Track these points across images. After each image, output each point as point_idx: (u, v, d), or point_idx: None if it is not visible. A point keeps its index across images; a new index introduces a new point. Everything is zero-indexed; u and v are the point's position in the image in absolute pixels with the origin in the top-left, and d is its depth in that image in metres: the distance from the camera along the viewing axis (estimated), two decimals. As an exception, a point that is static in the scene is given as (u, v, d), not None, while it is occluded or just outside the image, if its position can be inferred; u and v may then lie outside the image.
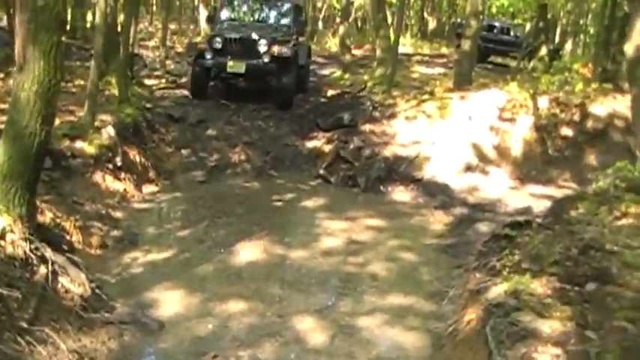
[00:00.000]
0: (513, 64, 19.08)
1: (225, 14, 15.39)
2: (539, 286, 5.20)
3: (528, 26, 23.55)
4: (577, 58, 25.19)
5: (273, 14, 15.59)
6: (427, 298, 6.76)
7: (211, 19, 15.86)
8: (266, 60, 13.41)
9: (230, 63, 13.38)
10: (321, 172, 11.48)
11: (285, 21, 15.20)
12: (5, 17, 14.79)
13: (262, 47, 13.44)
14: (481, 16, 15.39)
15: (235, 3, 15.96)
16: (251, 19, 15.40)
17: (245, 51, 13.51)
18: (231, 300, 6.37)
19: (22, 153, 5.53)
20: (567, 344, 4.42)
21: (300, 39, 15.28)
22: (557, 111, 11.76)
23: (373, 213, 9.72)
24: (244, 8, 15.78)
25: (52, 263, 5.44)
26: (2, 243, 5.11)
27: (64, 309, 5.24)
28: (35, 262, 5.31)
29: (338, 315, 6.28)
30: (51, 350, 4.66)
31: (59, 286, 5.42)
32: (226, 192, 10.38)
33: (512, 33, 24.58)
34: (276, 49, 13.43)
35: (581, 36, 38.02)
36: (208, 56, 13.56)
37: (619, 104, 11.70)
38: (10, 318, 4.55)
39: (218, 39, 13.62)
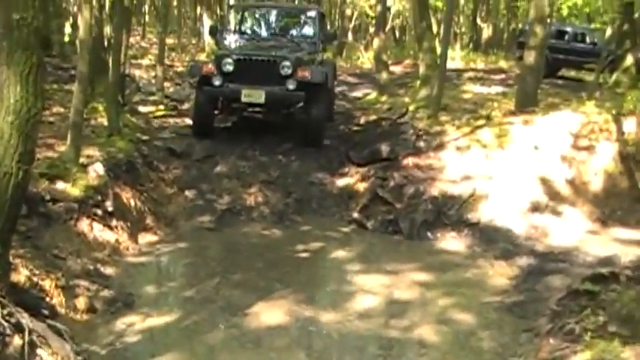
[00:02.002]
0: (590, 77, 19.03)
1: (234, 26, 15.37)
2: (633, 356, 5.15)
3: (609, 31, 23.52)
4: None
5: (294, 25, 15.61)
6: (490, 370, 6.72)
7: (215, 32, 15.46)
8: (291, 87, 12.94)
9: (245, 91, 12.89)
10: (355, 215, 11.51)
11: (309, 33, 15.20)
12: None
13: (286, 70, 12.94)
14: (549, 21, 15.37)
15: (246, 12, 16.07)
16: (267, 31, 15.40)
17: (264, 75, 12.98)
18: (247, 375, 6.39)
19: (-5, 198, 5.61)
20: None
21: (325, 55, 15.25)
22: (648, 135, 11.70)
23: (419, 265, 9.69)
24: (258, 18, 15.84)
25: (30, 332, 5.47)
26: (-32, 308, 5.17)
27: (44, 389, 5.28)
28: (8, 331, 5.34)
29: (379, 392, 6.27)
30: None
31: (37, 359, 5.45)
32: (240, 242, 10.41)
33: (588, 39, 24.59)
34: (303, 73, 12.96)
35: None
36: (217, 82, 12.99)
37: None
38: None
39: (229, 60, 13.08)
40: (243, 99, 13.10)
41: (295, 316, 7.71)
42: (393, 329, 7.57)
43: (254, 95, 12.96)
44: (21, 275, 6.89)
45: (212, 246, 10.21)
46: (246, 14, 15.86)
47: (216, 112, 14.01)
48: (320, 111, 13.45)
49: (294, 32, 15.39)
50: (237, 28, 15.32)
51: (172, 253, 9.78)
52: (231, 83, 13.04)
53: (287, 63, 13.03)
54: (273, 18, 15.92)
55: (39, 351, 5.49)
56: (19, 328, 5.43)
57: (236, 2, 20.21)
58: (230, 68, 13.04)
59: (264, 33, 15.32)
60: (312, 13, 15.83)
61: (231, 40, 14.81)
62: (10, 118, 5.53)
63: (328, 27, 16.50)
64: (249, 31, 15.33)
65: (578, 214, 10.99)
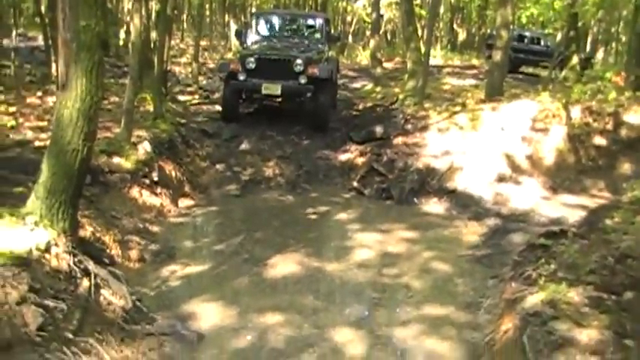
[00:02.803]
0: (545, 73, 18.98)
1: (255, 30, 15.28)
2: (576, 295, 5.20)
3: (559, 35, 23.48)
4: (609, 66, 25.01)
5: (305, 29, 15.56)
6: (463, 309, 6.75)
7: (240, 35, 15.50)
8: (302, 81, 13.00)
9: (265, 85, 12.96)
10: (355, 184, 11.52)
11: (317, 35, 15.18)
12: (42, 37, 15.11)
13: (298, 67, 12.99)
14: (512, 27, 15.31)
15: (265, 18, 15.99)
16: (282, 34, 15.34)
17: (280, 71, 13.03)
18: (267, 312, 6.42)
19: (66, 169, 5.70)
20: (605, 353, 4.43)
21: (330, 53, 15.26)
22: (590, 120, 11.66)
23: (407, 225, 9.72)
24: (275, 23, 15.80)
25: (95, 276, 5.57)
26: (47, 256, 5.25)
27: (106, 320, 5.36)
28: (79, 274, 5.44)
29: (374, 326, 6.30)
30: (95, 360, 4.78)
31: (101, 298, 5.54)
32: (261, 206, 10.45)
33: (542, 43, 24.58)
34: (312, 70, 13.00)
35: (613, 44, 37.71)
36: (241, 77, 13.09)
37: (653, 112, 11.61)
38: (56, 329, 4.67)
39: (251, 59, 13.11)
40: (263, 91, 13.14)
41: (305, 266, 7.76)
42: (386, 277, 7.63)
43: (272, 88, 13.02)
44: (87, 231, 6.98)
45: (237, 209, 10.23)
46: (265, 20, 15.81)
47: (240, 101, 14.03)
48: (326, 100, 13.49)
49: (304, 35, 15.33)
50: (258, 31, 15.26)
51: (205, 215, 9.83)
52: (253, 78, 13.07)
53: (299, 61, 13.06)
54: (287, 23, 15.84)
55: (102, 291, 5.58)
56: (86, 272, 5.53)
57: (257, 10, 20.10)
58: (252, 66, 13.07)
59: (280, 35, 15.24)
60: (319, 19, 15.79)
61: (253, 42, 14.78)
62: (77, 105, 5.61)
63: (332, 30, 16.33)
64: (267, 34, 15.25)
65: (534, 184, 11.01)
